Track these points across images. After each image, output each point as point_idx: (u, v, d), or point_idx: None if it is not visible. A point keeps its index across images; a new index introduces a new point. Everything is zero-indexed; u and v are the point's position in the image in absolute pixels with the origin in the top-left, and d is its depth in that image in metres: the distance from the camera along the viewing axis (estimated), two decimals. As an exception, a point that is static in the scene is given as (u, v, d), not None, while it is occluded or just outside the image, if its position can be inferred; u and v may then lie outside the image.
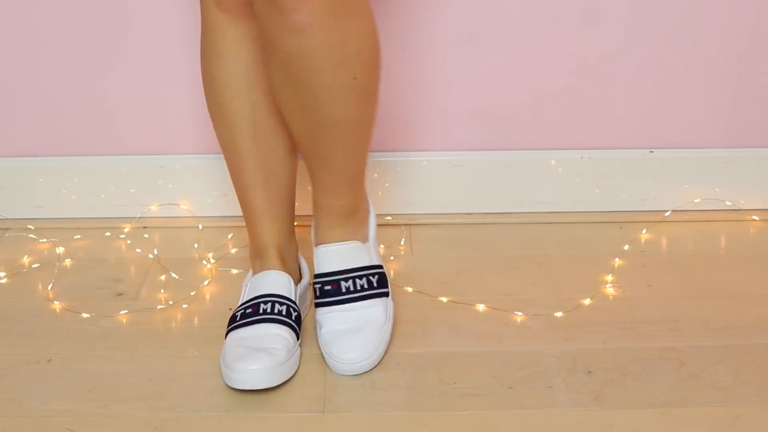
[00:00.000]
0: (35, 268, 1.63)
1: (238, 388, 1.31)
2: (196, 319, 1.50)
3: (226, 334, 1.38)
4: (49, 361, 1.40)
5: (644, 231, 1.71)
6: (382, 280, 1.43)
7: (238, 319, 1.38)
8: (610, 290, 1.55)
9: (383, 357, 1.39)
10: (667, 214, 1.75)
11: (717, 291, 1.55)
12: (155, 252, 1.67)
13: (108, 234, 1.73)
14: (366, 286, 1.41)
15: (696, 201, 1.77)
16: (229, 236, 1.72)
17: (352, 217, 1.43)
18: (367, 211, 1.48)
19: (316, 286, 1.42)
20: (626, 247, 1.67)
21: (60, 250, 1.68)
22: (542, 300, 1.53)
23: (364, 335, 1.37)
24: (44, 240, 1.71)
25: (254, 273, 1.46)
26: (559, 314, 1.49)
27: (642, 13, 1.69)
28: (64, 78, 1.72)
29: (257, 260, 1.46)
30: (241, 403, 1.31)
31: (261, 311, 1.38)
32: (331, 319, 1.39)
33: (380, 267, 1.44)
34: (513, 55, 1.71)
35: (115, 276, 1.61)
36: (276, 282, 1.41)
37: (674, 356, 1.39)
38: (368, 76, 1.29)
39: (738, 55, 1.72)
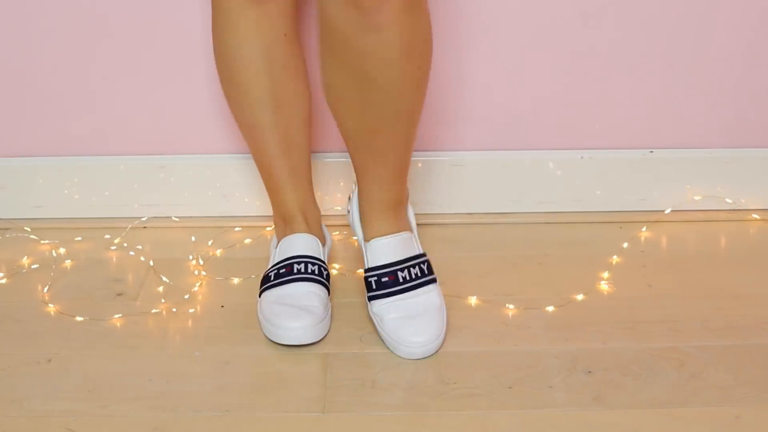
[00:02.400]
0: (35, 268, 1.63)
1: (284, 343, 1.40)
2: (197, 319, 1.50)
3: (261, 293, 1.46)
4: (49, 361, 1.40)
5: (644, 230, 1.71)
6: (430, 267, 1.47)
7: (272, 279, 1.46)
8: (604, 287, 1.55)
9: (445, 338, 1.42)
10: (667, 212, 1.75)
11: (717, 291, 1.55)
12: (155, 252, 1.67)
13: (107, 235, 1.73)
14: (419, 274, 1.45)
15: (696, 199, 1.77)
16: (236, 229, 1.72)
17: (399, 209, 1.48)
18: (407, 202, 1.52)
19: (371, 279, 1.45)
20: (625, 246, 1.67)
21: (60, 250, 1.68)
22: (542, 300, 1.53)
23: (427, 319, 1.41)
24: (44, 241, 1.70)
25: (280, 238, 1.52)
26: (550, 308, 1.49)
27: (642, 13, 1.69)
28: (63, 78, 1.72)
29: (285, 226, 1.52)
30: (241, 403, 1.31)
31: (295, 271, 1.45)
32: (394, 309, 1.43)
33: (425, 255, 1.48)
34: (513, 55, 1.71)
35: (114, 276, 1.61)
36: (306, 244, 1.49)
37: (674, 356, 1.39)
38: (428, 65, 1.37)
39: (738, 55, 1.72)
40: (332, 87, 1.36)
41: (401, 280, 1.44)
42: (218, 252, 1.68)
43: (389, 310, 1.42)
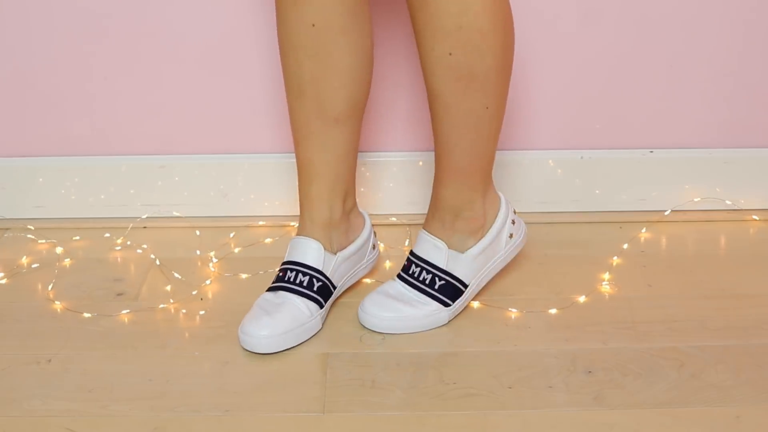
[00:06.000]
0: (35, 268, 1.63)
1: (243, 347, 1.41)
2: (197, 318, 1.50)
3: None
4: (49, 361, 1.40)
5: (644, 231, 1.71)
6: (447, 289, 1.46)
7: (274, 280, 1.47)
8: (605, 287, 1.55)
9: (405, 334, 1.45)
10: (666, 213, 1.75)
11: (717, 291, 1.55)
12: (155, 252, 1.67)
13: (108, 234, 1.73)
14: (427, 282, 1.46)
15: (696, 200, 1.77)
16: (231, 235, 1.72)
17: (455, 220, 1.47)
18: (482, 232, 1.49)
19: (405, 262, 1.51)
20: (626, 247, 1.67)
21: (59, 250, 1.68)
22: (542, 300, 1.53)
23: (397, 305, 1.45)
24: (44, 240, 1.70)
25: (296, 233, 1.51)
26: (553, 311, 1.49)
27: (642, 12, 1.69)
28: (64, 78, 1.72)
29: (300, 220, 1.50)
30: (241, 403, 1.31)
31: (286, 278, 1.46)
32: (387, 284, 1.48)
33: (455, 278, 1.47)
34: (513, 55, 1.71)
35: (114, 276, 1.61)
36: (306, 251, 1.47)
37: (674, 356, 1.39)
38: (511, 49, 1.41)
39: (737, 55, 1.72)
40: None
41: (410, 272, 1.47)
42: (220, 252, 1.67)
43: (385, 284, 1.48)
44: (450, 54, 1.34)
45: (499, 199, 1.51)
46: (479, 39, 1.34)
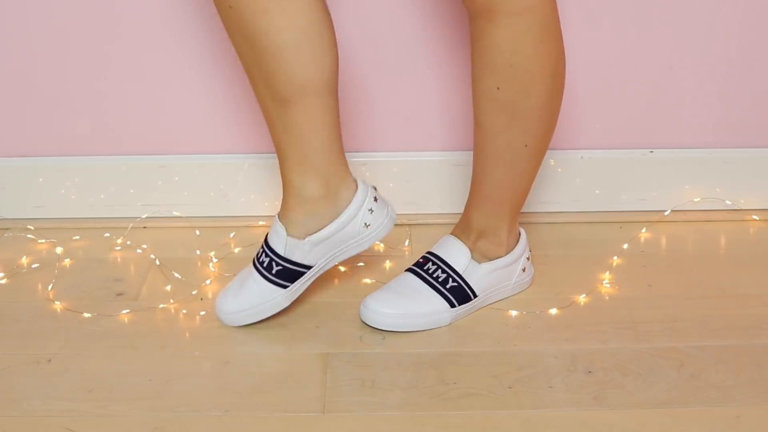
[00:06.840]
0: (35, 268, 1.63)
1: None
2: (197, 318, 1.50)
3: None
4: (49, 361, 1.40)
5: (644, 231, 1.71)
6: (458, 292, 1.47)
7: None
8: (605, 287, 1.55)
9: (405, 330, 1.45)
10: (666, 213, 1.75)
11: (717, 291, 1.55)
12: (155, 252, 1.67)
13: (107, 234, 1.73)
14: (440, 281, 1.47)
15: (696, 200, 1.77)
16: (231, 235, 1.72)
17: (479, 239, 1.50)
18: (503, 249, 1.52)
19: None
20: (626, 247, 1.67)
21: (59, 250, 1.68)
22: (542, 300, 1.53)
23: (400, 301, 1.46)
24: (43, 240, 1.70)
25: None
26: (553, 311, 1.49)
27: (642, 12, 1.69)
28: (63, 78, 1.72)
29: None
30: (241, 403, 1.31)
31: (257, 254, 1.48)
32: (392, 281, 1.49)
33: (468, 285, 1.48)
34: (513, 55, 1.71)
35: (114, 276, 1.61)
36: (272, 234, 1.46)
37: (674, 356, 1.39)
38: (561, 62, 1.41)
39: (738, 55, 1.72)
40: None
41: (425, 268, 1.49)
42: (220, 251, 1.67)
43: (389, 284, 1.49)
44: (498, 89, 1.38)
45: (520, 232, 1.55)
46: (527, 80, 1.37)
